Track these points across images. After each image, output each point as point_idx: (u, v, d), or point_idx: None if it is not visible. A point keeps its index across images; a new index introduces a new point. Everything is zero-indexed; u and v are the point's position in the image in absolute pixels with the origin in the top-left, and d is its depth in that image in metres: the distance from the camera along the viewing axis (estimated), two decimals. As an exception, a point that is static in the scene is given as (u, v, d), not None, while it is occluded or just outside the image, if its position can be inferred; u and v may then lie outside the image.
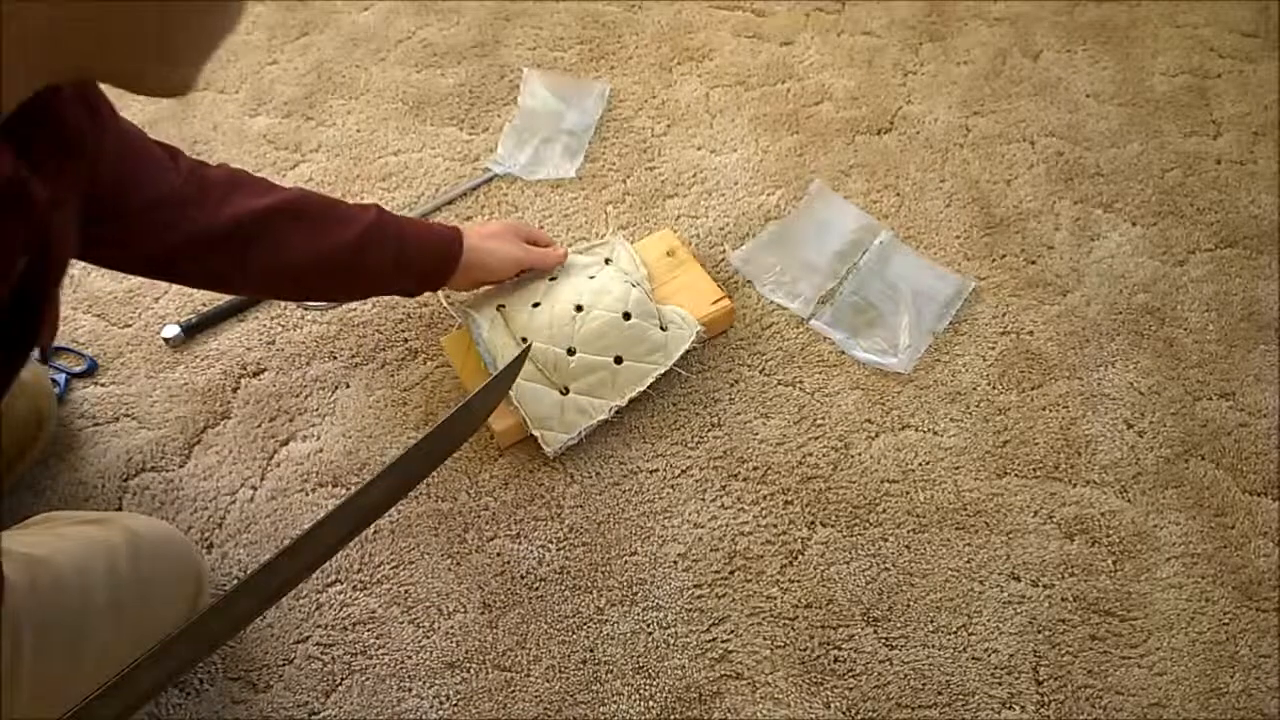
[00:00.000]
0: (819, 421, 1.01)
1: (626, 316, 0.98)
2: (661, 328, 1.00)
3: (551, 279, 1.03)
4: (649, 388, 0.98)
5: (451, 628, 0.90)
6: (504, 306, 1.01)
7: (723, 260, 1.12)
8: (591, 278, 1.02)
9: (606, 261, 1.06)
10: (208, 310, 1.09)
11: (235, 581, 0.58)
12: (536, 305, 0.99)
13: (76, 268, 1.14)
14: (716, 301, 1.04)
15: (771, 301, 1.09)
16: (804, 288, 1.10)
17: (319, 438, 1.01)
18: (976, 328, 1.08)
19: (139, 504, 0.97)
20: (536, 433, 0.95)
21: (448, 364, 1.04)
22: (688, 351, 1.01)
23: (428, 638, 0.89)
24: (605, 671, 0.87)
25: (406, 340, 1.07)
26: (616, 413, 0.97)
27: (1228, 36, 1.35)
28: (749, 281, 1.11)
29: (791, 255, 1.12)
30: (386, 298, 1.10)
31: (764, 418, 1.01)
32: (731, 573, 0.92)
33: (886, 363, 1.04)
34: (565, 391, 0.97)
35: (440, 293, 1.09)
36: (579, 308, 0.98)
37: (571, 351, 0.96)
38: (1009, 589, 0.91)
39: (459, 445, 0.88)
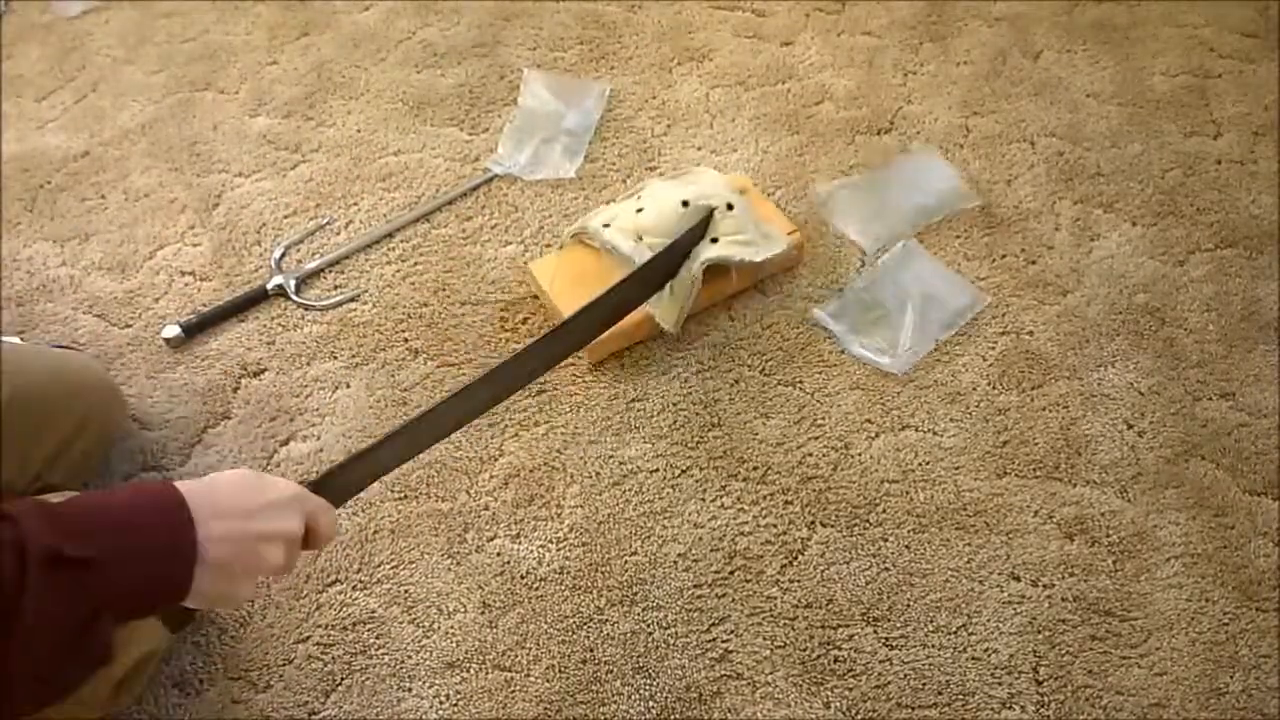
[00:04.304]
0: (819, 421, 1.01)
1: (730, 207, 1.04)
2: (760, 232, 1.06)
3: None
4: (738, 269, 1.04)
5: (451, 628, 0.90)
6: (609, 225, 1.05)
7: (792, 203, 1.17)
8: (691, 185, 1.07)
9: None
10: (208, 310, 1.09)
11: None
12: (640, 211, 1.04)
13: (76, 267, 1.15)
14: (791, 233, 1.09)
15: (842, 233, 1.14)
16: (878, 228, 1.15)
17: (319, 438, 1.01)
18: (976, 328, 1.08)
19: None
20: (652, 309, 1.01)
21: (448, 363, 1.04)
22: (771, 263, 1.06)
23: (428, 638, 0.89)
24: (605, 671, 0.87)
25: (406, 340, 1.07)
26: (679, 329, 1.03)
27: (1228, 36, 1.35)
28: (824, 222, 1.16)
29: (876, 196, 1.18)
30: (388, 296, 1.10)
31: (764, 418, 1.01)
32: (731, 573, 0.92)
33: (881, 362, 1.04)
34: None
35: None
36: (685, 203, 1.03)
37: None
38: (1009, 589, 0.91)
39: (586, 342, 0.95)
